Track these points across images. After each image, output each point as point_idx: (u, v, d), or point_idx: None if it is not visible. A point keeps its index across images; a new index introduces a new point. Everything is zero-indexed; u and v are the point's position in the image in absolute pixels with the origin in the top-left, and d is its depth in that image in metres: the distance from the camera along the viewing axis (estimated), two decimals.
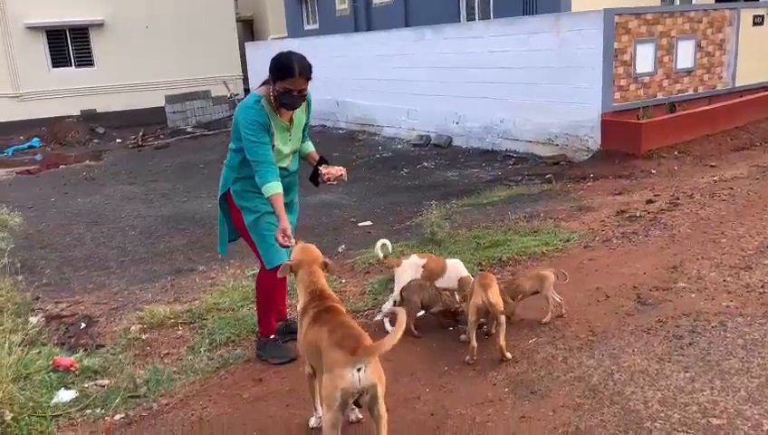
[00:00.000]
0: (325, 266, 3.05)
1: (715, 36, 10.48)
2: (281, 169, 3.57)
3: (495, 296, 3.47)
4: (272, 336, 3.90)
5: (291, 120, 3.62)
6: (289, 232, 3.38)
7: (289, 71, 3.36)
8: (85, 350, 4.22)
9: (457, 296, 4.09)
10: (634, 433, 2.81)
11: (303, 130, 3.78)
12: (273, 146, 3.51)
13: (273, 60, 3.47)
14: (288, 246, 3.35)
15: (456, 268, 4.27)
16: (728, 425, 2.80)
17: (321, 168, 3.71)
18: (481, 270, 5.00)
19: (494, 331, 3.62)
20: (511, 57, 10.55)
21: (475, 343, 3.53)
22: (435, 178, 9.89)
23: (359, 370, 2.38)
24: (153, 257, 6.79)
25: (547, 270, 4.07)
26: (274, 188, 3.43)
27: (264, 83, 3.57)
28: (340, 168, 3.73)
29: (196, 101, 18.56)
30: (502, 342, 3.50)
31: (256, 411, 3.29)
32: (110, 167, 13.37)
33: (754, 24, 11.03)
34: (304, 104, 3.63)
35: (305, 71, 3.41)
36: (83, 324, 4.82)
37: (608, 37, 9.10)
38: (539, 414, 3.02)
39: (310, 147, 3.88)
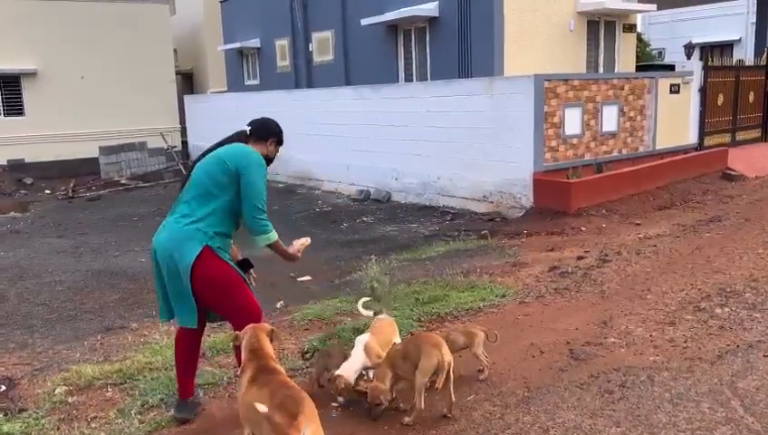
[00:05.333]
0: (271, 334, 3.08)
1: (637, 102, 11.20)
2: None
3: (449, 355, 3.49)
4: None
5: None
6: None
7: (282, 137, 3.80)
8: (5, 414, 3.98)
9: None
10: None
11: None
12: None
13: (273, 126, 3.80)
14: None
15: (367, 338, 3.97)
16: None
17: None
18: (420, 326, 5.05)
19: (438, 386, 3.60)
20: (447, 117, 10.93)
21: (422, 405, 3.48)
22: (374, 232, 9.98)
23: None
24: (81, 314, 6.51)
25: (477, 328, 4.12)
26: (275, 235, 3.54)
27: (243, 141, 3.68)
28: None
29: (131, 153, 18.21)
30: (453, 397, 3.53)
31: None
32: (37, 219, 12.86)
33: (671, 92, 11.88)
34: None
35: None
36: (3, 387, 4.54)
37: (538, 101, 9.58)
38: None
39: None
